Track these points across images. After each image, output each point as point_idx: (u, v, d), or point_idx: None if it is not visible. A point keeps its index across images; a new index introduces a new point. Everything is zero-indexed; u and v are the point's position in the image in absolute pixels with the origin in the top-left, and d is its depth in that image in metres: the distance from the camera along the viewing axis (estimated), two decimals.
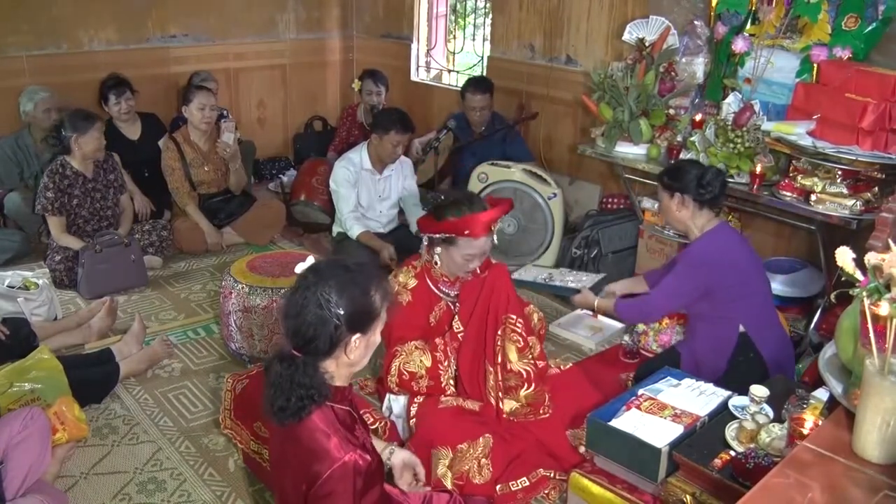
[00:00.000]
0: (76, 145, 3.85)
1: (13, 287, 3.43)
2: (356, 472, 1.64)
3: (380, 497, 1.80)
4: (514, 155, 4.45)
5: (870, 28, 3.06)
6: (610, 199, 4.30)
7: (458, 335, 2.62)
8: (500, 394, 2.58)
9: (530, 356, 2.59)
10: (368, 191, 4.09)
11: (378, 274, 1.83)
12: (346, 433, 1.69)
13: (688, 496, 1.99)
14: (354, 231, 3.99)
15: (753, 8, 3.36)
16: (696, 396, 2.32)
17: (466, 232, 2.51)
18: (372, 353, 1.82)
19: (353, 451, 1.64)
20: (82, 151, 3.88)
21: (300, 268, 1.80)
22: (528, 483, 2.48)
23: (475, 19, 5.51)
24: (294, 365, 1.68)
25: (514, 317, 2.58)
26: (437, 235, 2.58)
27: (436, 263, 2.67)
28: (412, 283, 2.67)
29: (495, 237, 2.60)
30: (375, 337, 1.79)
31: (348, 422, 1.76)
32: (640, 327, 3.39)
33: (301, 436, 1.68)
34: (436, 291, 2.70)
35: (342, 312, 1.67)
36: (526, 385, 2.56)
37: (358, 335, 1.72)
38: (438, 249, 2.62)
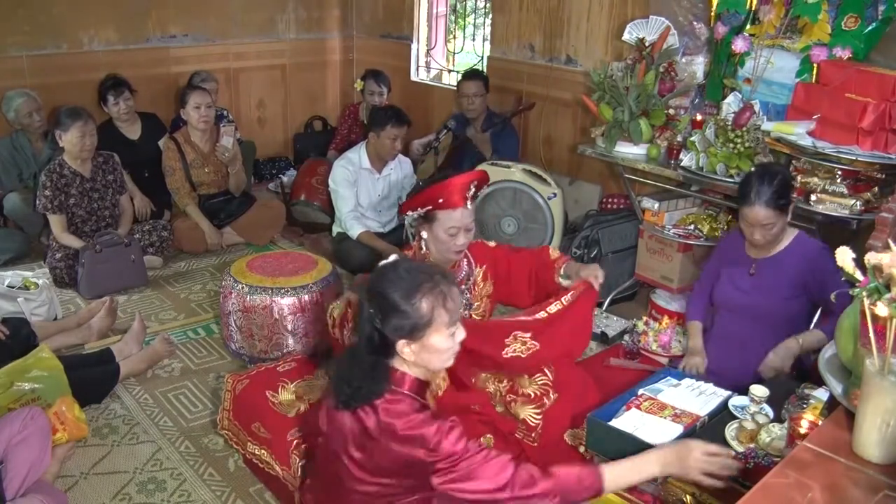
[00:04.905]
0: (61, 141, 3.87)
1: (13, 287, 3.43)
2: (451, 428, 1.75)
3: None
4: (501, 148, 4.44)
5: (870, 28, 3.05)
6: (610, 199, 4.29)
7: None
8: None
9: (541, 380, 2.57)
10: (368, 190, 4.09)
11: (429, 280, 1.76)
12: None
13: (688, 496, 1.99)
14: (354, 231, 3.99)
15: (753, 8, 3.36)
16: (695, 396, 2.32)
17: (441, 200, 2.48)
18: (449, 354, 1.81)
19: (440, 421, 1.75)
20: (67, 148, 3.88)
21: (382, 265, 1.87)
22: None
23: (475, 19, 5.51)
24: (356, 358, 1.78)
25: (548, 373, 2.56)
26: (416, 212, 2.56)
27: (422, 248, 2.62)
28: None
29: (469, 203, 2.53)
30: (433, 340, 1.75)
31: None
32: (640, 327, 3.39)
33: (394, 425, 1.74)
34: None
35: (378, 318, 1.73)
36: (535, 404, 2.56)
37: (404, 340, 1.74)
38: (425, 234, 2.60)
